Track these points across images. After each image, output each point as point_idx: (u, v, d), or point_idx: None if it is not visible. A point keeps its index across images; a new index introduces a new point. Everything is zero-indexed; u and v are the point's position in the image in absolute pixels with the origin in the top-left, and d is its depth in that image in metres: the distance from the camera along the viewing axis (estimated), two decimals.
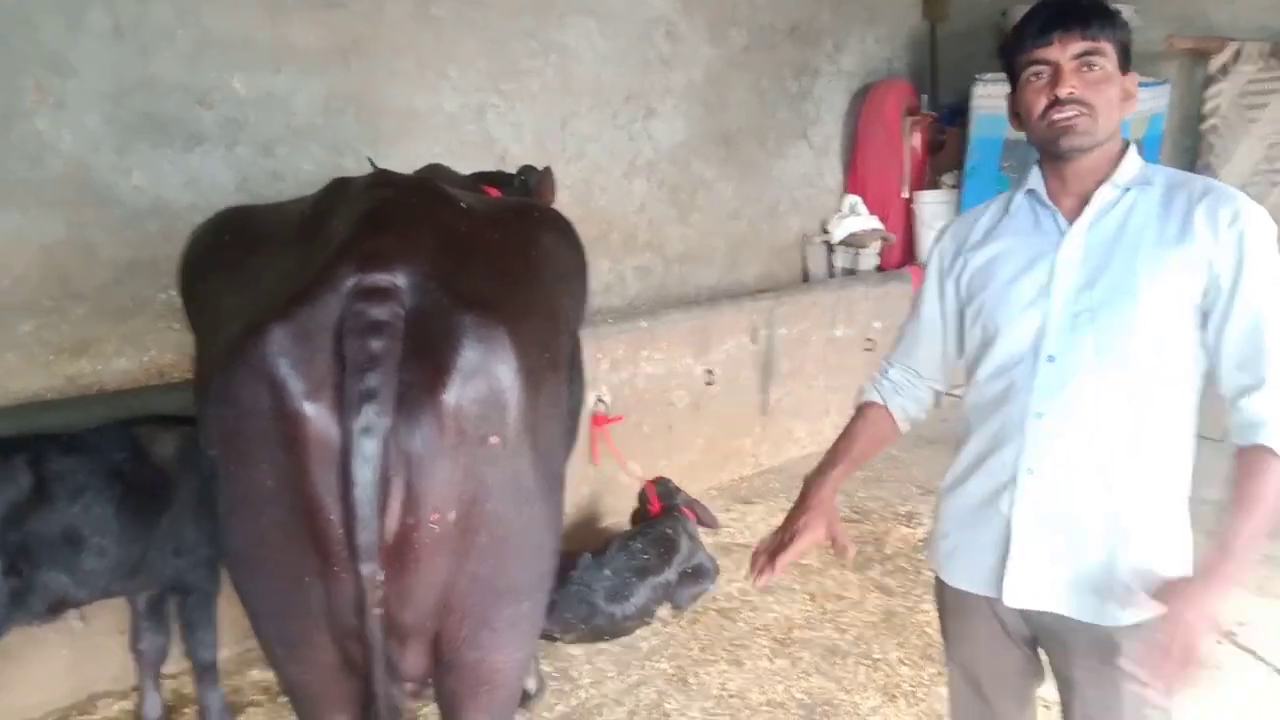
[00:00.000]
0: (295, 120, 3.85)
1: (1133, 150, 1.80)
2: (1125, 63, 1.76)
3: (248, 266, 1.76)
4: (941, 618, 2.09)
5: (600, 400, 4.41)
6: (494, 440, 1.60)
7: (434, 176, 2.41)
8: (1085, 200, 1.79)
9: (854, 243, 6.37)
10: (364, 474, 1.47)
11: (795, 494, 2.04)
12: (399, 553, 1.60)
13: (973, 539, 1.90)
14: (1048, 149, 1.80)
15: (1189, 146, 6.00)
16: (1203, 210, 1.70)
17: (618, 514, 4.51)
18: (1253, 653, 3.45)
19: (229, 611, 2.58)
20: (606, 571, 3.65)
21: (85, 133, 3.34)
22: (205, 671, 2.94)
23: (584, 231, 2.14)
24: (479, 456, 1.60)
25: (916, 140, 6.59)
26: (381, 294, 1.53)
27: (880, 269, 6.47)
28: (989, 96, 6.18)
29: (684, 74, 5.48)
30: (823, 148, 6.55)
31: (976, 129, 6.31)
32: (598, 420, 4.35)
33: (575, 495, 4.36)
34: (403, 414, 1.51)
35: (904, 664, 3.43)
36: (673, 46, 5.39)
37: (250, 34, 3.69)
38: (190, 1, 3.52)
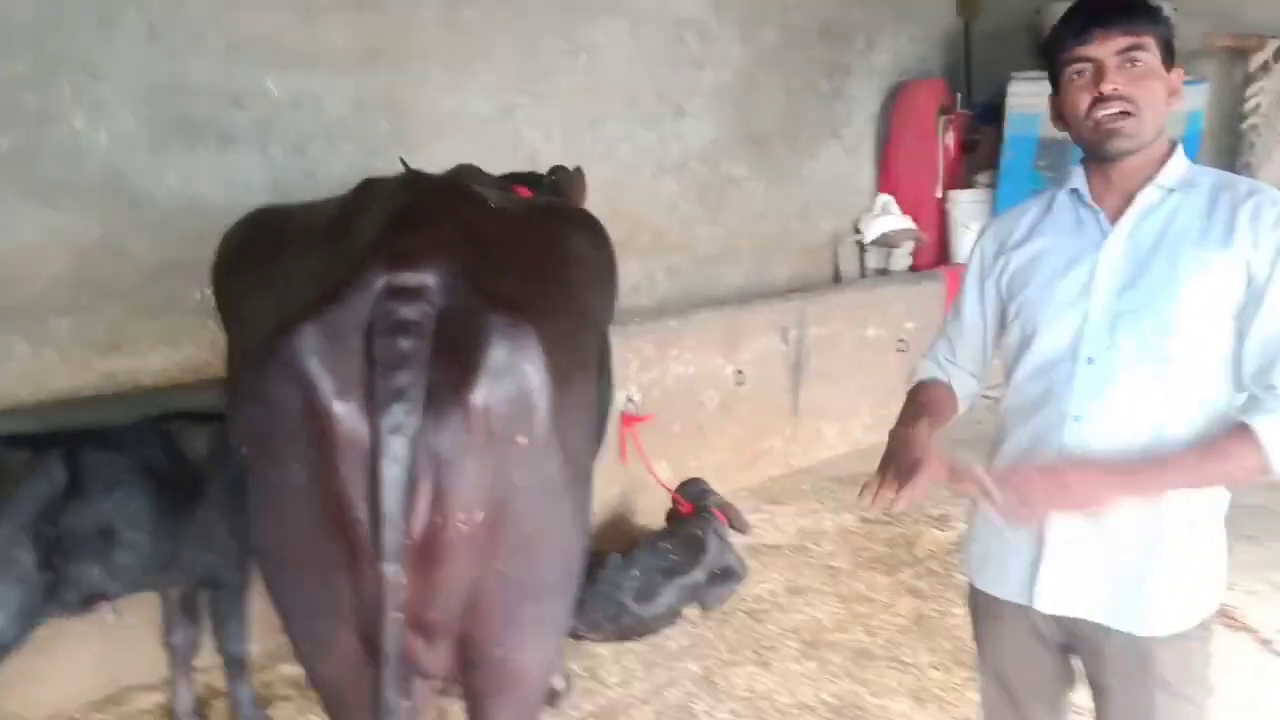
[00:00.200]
0: (327, 121, 3.88)
1: (1179, 151, 1.77)
2: (1169, 58, 1.72)
3: (278, 266, 1.77)
4: (974, 622, 2.06)
5: (630, 400, 4.40)
6: (522, 440, 1.60)
7: (465, 177, 2.42)
8: (1129, 201, 1.75)
9: (886, 242, 6.32)
10: (392, 473, 1.48)
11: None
12: (427, 552, 1.60)
13: (1006, 543, 1.88)
14: (1093, 151, 1.76)
15: (1228, 145, 5.92)
16: (1247, 213, 1.66)
17: (646, 514, 4.50)
18: None
19: (260, 606, 2.59)
20: (635, 571, 3.64)
21: (120, 134, 3.37)
22: (236, 665, 2.96)
23: (613, 232, 2.14)
24: (507, 456, 1.60)
25: (950, 139, 6.54)
26: (411, 293, 1.53)
27: (913, 269, 6.43)
28: (1024, 95, 6.12)
29: (714, 74, 5.46)
30: (854, 147, 6.50)
31: (1011, 128, 6.25)
32: (627, 420, 4.35)
33: (604, 495, 4.35)
34: (431, 413, 1.52)
35: (934, 668, 3.39)
36: (703, 46, 5.37)
37: (282, 35, 3.72)
38: (223, 3, 3.55)
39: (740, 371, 5.01)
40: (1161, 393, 1.69)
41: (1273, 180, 3.59)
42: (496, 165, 3.10)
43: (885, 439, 1.91)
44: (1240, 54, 5.90)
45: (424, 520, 1.57)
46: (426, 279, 1.55)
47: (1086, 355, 1.74)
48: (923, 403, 1.99)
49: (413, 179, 1.87)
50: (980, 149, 6.61)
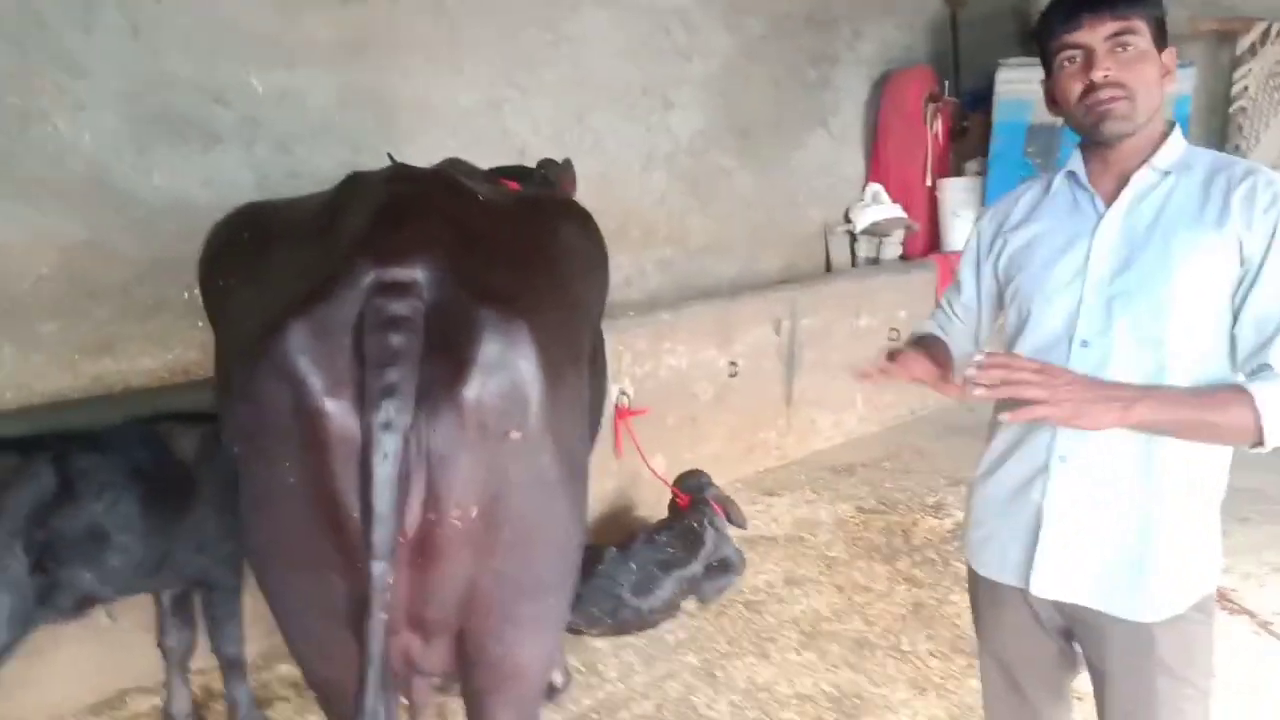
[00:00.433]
0: (312, 117, 3.85)
1: (1176, 133, 1.76)
2: (1161, 38, 1.71)
3: (266, 262, 1.75)
4: (974, 608, 2.06)
5: (623, 393, 4.39)
6: (515, 435, 1.59)
7: (455, 171, 2.39)
8: (1124, 183, 1.75)
9: (877, 231, 6.32)
10: (384, 470, 1.46)
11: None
12: (421, 549, 1.59)
13: (1004, 528, 1.88)
14: (1088, 135, 1.76)
15: (1216, 129, 5.93)
16: (1241, 194, 1.65)
17: (643, 507, 4.50)
18: None
19: (256, 607, 2.58)
20: (632, 565, 3.64)
21: (104, 133, 3.34)
22: (232, 667, 2.94)
23: (603, 225, 2.13)
24: (501, 452, 1.58)
25: (939, 127, 6.54)
26: (400, 289, 1.51)
27: (904, 258, 6.43)
28: (1012, 81, 6.12)
29: (701, 64, 5.45)
30: (843, 136, 6.50)
31: (1000, 115, 6.25)
32: (622, 413, 4.34)
33: (600, 489, 4.35)
34: (423, 410, 1.50)
35: (933, 656, 3.39)
36: (689, 37, 5.35)
37: (265, 31, 3.69)
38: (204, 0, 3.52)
39: (734, 363, 5.01)
40: (1156, 375, 1.68)
41: (1262, 163, 3.59)
42: (484, 159, 3.08)
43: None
44: (1227, 37, 5.91)
45: (417, 518, 1.55)
46: (415, 274, 1.53)
47: (1081, 338, 1.73)
48: (919, 343, 2.05)
49: (399, 173, 1.85)
50: (969, 136, 6.61)
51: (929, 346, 2.03)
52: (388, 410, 1.45)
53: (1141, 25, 1.68)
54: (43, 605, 2.46)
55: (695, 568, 3.75)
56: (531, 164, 3.35)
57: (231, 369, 1.64)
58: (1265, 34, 5.73)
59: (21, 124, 3.17)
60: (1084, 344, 1.73)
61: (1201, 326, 1.67)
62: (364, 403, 1.47)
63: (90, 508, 2.49)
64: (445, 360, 1.51)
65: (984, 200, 6.19)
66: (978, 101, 6.54)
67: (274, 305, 1.55)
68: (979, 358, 1.57)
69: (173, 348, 3.54)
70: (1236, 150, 5.73)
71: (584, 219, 2.07)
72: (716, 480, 4.18)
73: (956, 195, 6.43)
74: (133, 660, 3.15)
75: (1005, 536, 1.88)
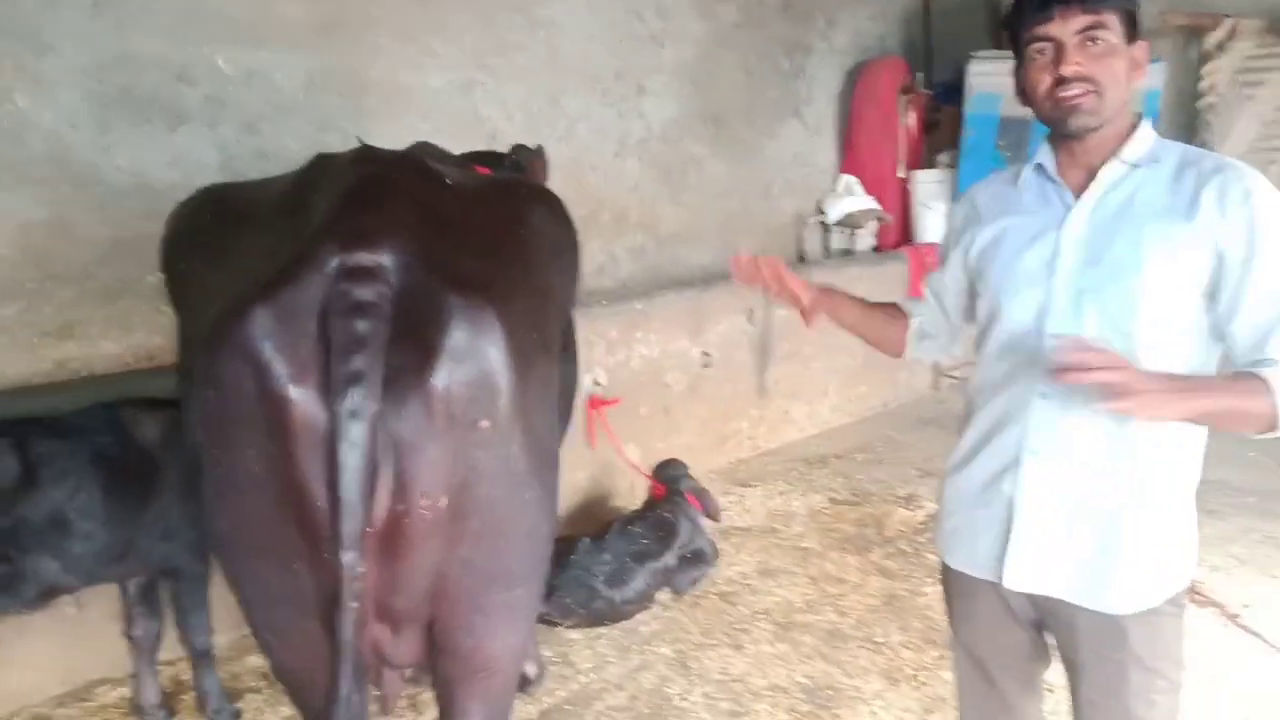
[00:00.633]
0: (279, 97, 3.78)
1: (1145, 125, 1.75)
2: (1132, 32, 1.70)
3: (229, 245, 1.71)
4: (947, 600, 2.06)
5: (596, 383, 4.37)
6: (485, 424, 1.56)
7: (424, 155, 2.35)
8: (1093, 176, 1.74)
9: (850, 223, 6.33)
10: (351, 459, 1.42)
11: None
12: (389, 539, 1.55)
13: (975, 520, 1.88)
14: (1056, 127, 1.75)
15: (1185, 124, 5.97)
16: (1213, 187, 1.64)
17: (617, 497, 4.48)
18: (1257, 634, 3.43)
19: (226, 597, 2.55)
20: (606, 556, 3.62)
21: (65, 111, 3.27)
22: (201, 657, 2.91)
23: (575, 211, 2.10)
24: (469, 441, 1.55)
25: (911, 119, 6.55)
26: (366, 274, 1.47)
27: (877, 249, 6.44)
28: (984, 74, 6.14)
29: (674, 51, 5.42)
30: (816, 127, 6.49)
31: (972, 107, 6.27)
32: (594, 403, 4.31)
33: (573, 479, 4.32)
34: (390, 398, 1.46)
35: (906, 648, 3.40)
36: (662, 23, 5.32)
37: (232, 9, 3.62)
38: None
39: (707, 353, 4.99)
40: None
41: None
42: (456, 144, 3.04)
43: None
44: (1196, 33, 5.95)
45: (385, 507, 1.52)
46: (382, 259, 1.49)
47: (1051, 331, 1.73)
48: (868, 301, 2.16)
49: (366, 155, 1.81)
50: (941, 129, 6.63)
51: (871, 302, 2.15)
52: (354, 398, 1.41)
53: (1113, 19, 1.67)
54: (7, 595, 2.42)
55: (669, 559, 3.74)
56: (503, 149, 3.30)
57: (193, 354, 1.59)
58: (1233, 30, 5.78)
59: None
60: (1054, 336, 1.72)
61: (1171, 318, 1.66)
62: (330, 390, 1.43)
63: (52, 495, 2.46)
64: (413, 347, 1.48)
65: (955, 192, 6.21)
66: (950, 94, 6.56)
67: (237, 289, 1.52)
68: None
69: (136, 332, 3.47)
70: (1204, 145, 5.77)
71: (554, 204, 2.03)
72: (690, 471, 4.17)
73: (928, 187, 6.45)
74: (100, 651, 3.11)
75: (977, 529, 1.87)
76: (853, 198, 6.36)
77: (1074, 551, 1.76)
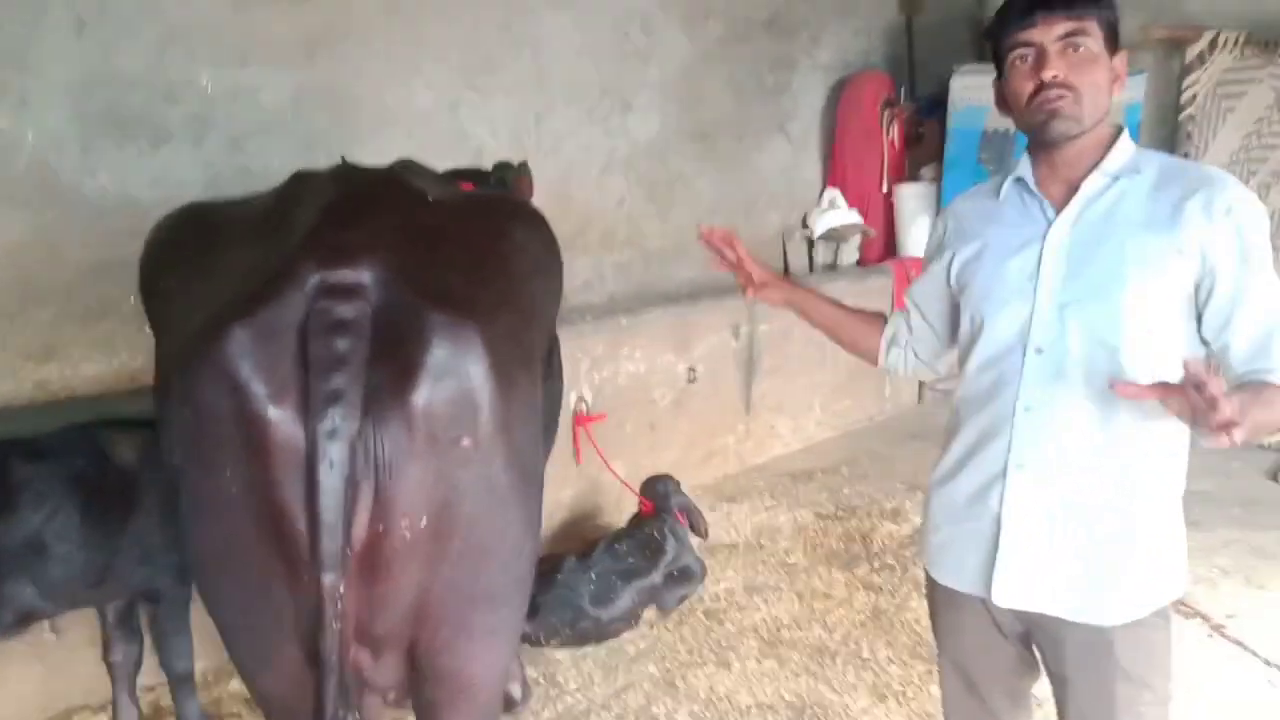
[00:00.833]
0: (264, 115, 3.77)
1: (1125, 136, 1.76)
2: (1113, 42, 1.72)
3: (208, 263, 1.70)
4: (932, 614, 2.05)
5: (582, 399, 4.35)
6: (466, 442, 1.55)
7: (406, 171, 2.35)
8: (1074, 188, 1.74)
9: (834, 237, 6.33)
10: (330, 479, 1.41)
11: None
12: (369, 560, 1.54)
13: (962, 535, 1.87)
14: (1035, 135, 1.75)
15: (1165, 136, 6.01)
16: (1197, 198, 1.65)
17: (603, 514, 4.46)
18: (1242, 645, 3.43)
19: (207, 622, 2.53)
20: (591, 574, 3.59)
21: (48, 130, 3.25)
22: (182, 682, 2.86)
23: (562, 228, 2.09)
24: (451, 459, 1.54)
25: (895, 133, 6.56)
26: (346, 291, 1.47)
27: (861, 263, 6.45)
28: (967, 88, 6.17)
29: (659, 68, 5.42)
30: (801, 141, 6.51)
31: (955, 121, 6.30)
32: (580, 419, 4.29)
33: (559, 496, 4.30)
34: (370, 416, 1.45)
35: (893, 663, 3.38)
36: (647, 39, 5.33)
37: (216, 27, 3.60)
38: None
39: (692, 369, 4.98)
40: (1111, 382, 1.67)
41: None
42: (442, 161, 3.03)
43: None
44: (1177, 46, 5.99)
45: (365, 528, 1.50)
46: (362, 276, 1.49)
47: (1035, 345, 1.73)
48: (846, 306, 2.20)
49: (346, 172, 1.80)
50: (924, 143, 6.65)
51: (846, 307, 2.20)
52: (333, 417, 1.40)
53: (1094, 27, 1.68)
54: None
55: (656, 577, 3.72)
56: (488, 166, 3.30)
57: (171, 374, 1.58)
58: (1214, 42, 5.82)
59: None
60: (1038, 351, 1.73)
61: (1155, 331, 1.67)
62: (308, 409, 1.42)
63: (29, 518, 2.41)
64: (393, 365, 1.47)
65: (939, 206, 6.23)
66: (933, 108, 6.58)
67: (215, 308, 1.51)
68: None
69: (119, 353, 3.44)
70: (1186, 157, 5.81)
71: (536, 220, 2.03)
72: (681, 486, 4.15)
73: (912, 201, 6.46)
74: (78, 677, 3.07)
75: (963, 544, 1.86)
76: (837, 212, 6.37)
77: (1061, 565, 1.75)
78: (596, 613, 3.53)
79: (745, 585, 4.01)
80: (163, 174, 3.50)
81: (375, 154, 2.70)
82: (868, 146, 6.52)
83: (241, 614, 1.70)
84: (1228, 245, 1.62)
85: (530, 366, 1.77)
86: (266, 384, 1.45)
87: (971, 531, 1.84)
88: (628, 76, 5.26)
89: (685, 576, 3.84)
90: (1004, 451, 1.77)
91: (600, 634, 3.56)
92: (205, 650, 2.95)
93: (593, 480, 4.42)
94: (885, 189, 6.55)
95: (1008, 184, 1.85)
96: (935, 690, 2.16)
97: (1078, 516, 1.73)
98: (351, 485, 1.45)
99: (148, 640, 2.86)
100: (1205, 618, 3.61)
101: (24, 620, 2.49)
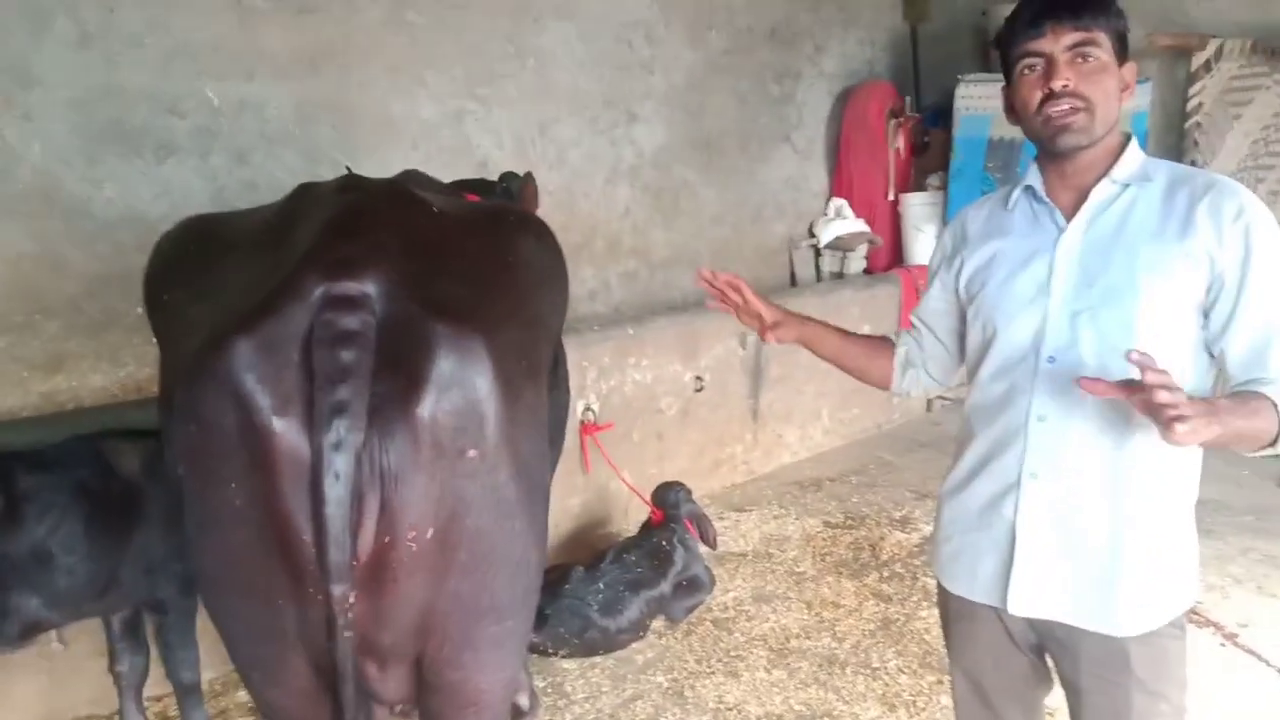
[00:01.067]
0: (269, 128, 3.78)
1: (1134, 144, 1.75)
2: (1122, 52, 1.71)
3: (213, 275, 1.70)
4: (944, 624, 2.04)
5: (589, 409, 4.35)
6: (472, 454, 1.54)
7: (410, 182, 2.35)
8: (1084, 196, 1.74)
9: (841, 246, 6.32)
10: (335, 491, 1.40)
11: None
12: (375, 572, 1.53)
13: (975, 544, 1.86)
14: (1045, 146, 1.75)
15: (1173, 145, 5.99)
16: (1206, 206, 1.65)
17: (611, 524, 4.45)
18: (1255, 654, 3.41)
19: (214, 632, 2.53)
20: (599, 584, 3.59)
21: (54, 144, 3.27)
22: (188, 693, 2.85)
23: (568, 238, 2.09)
24: (457, 471, 1.53)
25: (900, 142, 6.56)
26: (351, 303, 1.46)
27: (868, 272, 6.43)
28: (972, 97, 6.17)
29: (664, 78, 5.44)
30: (806, 151, 6.51)
31: (960, 130, 6.29)
32: (587, 428, 4.29)
33: (567, 506, 4.30)
34: (376, 428, 1.44)
35: (903, 673, 3.36)
36: (652, 50, 5.34)
37: (221, 41, 3.63)
38: (159, 8, 3.45)
39: (699, 378, 4.97)
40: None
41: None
42: (448, 173, 3.04)
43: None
44: (1183, 53, 5.98)
45: (371, 540, 1.49)
46: (366, 287, 1.48)
47: (1048, 354, 1.72)
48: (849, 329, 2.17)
49: (350, 183, 1.80)
50: (930, 151, 6.64)
51: (855, 333, 2.16)
52: (338, 429, 1.39)
53: (1103, 37, 1.67)
54: None
55: (664, 587, 3.71)
56: (494, 177, 3.30)
57: (175, 386, 1.57)
58: (1220, 50, 5.81)
59: None
60: (1050, 359, 1.72)
61: (1167, 338, 1.65)
62: (313, 421, 1.41)
63: (35, 529, 2.41)
64: (398, 377, 1.46)
65: (945, 215, 6.22)
66: (938, 117, 6.58)
67: (219, 320, 1.50)
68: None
69: (125, 364, 3.46)
70: (1193, 165, 5.79)
71: (541, 231, 2.02)
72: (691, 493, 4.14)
73: (919, 210, 6.45)
74: (84, 687, 3.07)
75: (976, 553, 1.85)
76: (843, 221, 6.37)
77: (1076, 574, 1.74)
78: (605, 623, 3.52)
79: (754, 594, 4.00)
80: (168, 187, 3.52)
81: (381, 166, 2.71)
82: (873, 156, 6.53)
83: (247, 626, 1.69)
84: (1236, 251, 1.62)
85: (536, 378, 1.76)
86: (271, 396, 1.44)
87: (985, 541, 1.82)
88: (632, 86, 5.27)
89: (694, 586, 3.83)
90: (1018, 461, 1.76)
91: (608, 644, 3.55)
92: (212, 660, 2.95)
93: (600, 489, 4.42)
94: (891, 198, 6.55)
95: (1017, 193, 1.85)
96: (946, 700, 2.15)
97: (1093, 524, 1.72)
98: (357, 497, 1.44)
99: (154, 650, 2.85)
100: (1218, 627, 3.59)
101: (30, 631, 2.49)
